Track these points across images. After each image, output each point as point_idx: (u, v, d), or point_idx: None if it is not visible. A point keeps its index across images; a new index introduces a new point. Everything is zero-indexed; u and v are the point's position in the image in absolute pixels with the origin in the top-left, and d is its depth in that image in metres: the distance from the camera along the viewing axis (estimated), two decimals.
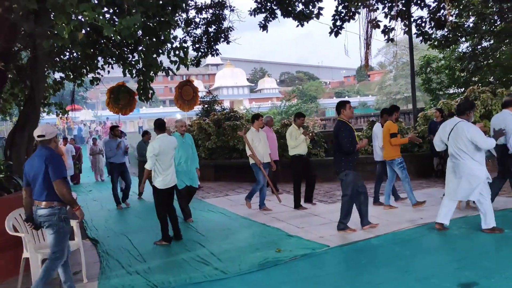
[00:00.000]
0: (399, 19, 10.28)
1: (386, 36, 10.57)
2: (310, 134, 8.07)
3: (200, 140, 13.26)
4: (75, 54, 8.96)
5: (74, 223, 4.94)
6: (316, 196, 8.80)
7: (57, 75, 10.20)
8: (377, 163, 7.85)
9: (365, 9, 6.69)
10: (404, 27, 11.27)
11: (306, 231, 6.17)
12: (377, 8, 10.49)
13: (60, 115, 10.72)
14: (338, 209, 7.33)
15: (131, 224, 7.63)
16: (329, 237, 5.75)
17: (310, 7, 10.35)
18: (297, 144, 7.68)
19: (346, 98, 67.66)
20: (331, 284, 4.25)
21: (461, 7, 13.17)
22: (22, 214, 4.71)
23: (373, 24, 9.18)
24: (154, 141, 6.22)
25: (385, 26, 10.49)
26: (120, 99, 9.76)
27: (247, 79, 72.78)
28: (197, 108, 22.14)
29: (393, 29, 10.24)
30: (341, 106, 6.03)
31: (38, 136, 4.13)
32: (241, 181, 11.62)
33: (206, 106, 19.19)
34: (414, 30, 11.56)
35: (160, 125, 6.36)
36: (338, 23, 10.52)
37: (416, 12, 11.47)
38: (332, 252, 5.22)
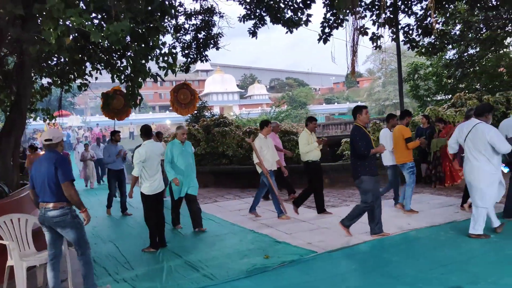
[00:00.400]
0: (386, 26, 10.41)
1: (374, 44, 10.68)
2: (323, 139, 7.81)
3: None
4: (62, 60, 8.90)
5: None
6: (305, 203, 8.81)
7: (44, 81, 10.11)
8: (388, 168, 7.68)
9: (352, 16, 6.76)
10: (391, 35, 11.41)
11: (294, 237, 6.17)
12: (365, 16, 10.62)
13: (48, 121, 10.62)
14: (327, 216, 7.41)
15: (118, 231, 7.56)
16: (317, 243, 5.76)
17: (299, 14, 10.44)
18: (311, 149, 7.44)
19: (336, 105, 68.23)
20: None
21: (447, 15, 13.40)
22: (7, 221, 4.65)
23: (361, 31, 9.27)
24: (140, 148, 6.26)
25: (373, 33, 10.61)
26: (115, 104, 9.72)
27: (237, 85, 72.92)
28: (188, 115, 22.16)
29: (381, 36, 10.35)
30: (357, 111, 5.93)
31: (46, 140, 4.30)
32: (231, 187, 11.61)
33: (195, 112, 19.15)
34: (401, 37, 11.71)
35: (146, 132, 6.44)
36: (327, 30, 10.61)
37: (404, 19, 11.61)
38: (320, 258, 5.22)
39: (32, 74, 8.11)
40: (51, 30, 5.00)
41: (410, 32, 11.64)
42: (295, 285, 4.43)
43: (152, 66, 8.07)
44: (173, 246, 6.17)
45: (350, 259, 5.18)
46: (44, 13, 4.87)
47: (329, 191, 9.98)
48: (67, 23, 5.24)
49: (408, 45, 11.89)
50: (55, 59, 9.06)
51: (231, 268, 5.02)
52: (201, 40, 12.18)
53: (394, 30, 11.25)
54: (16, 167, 7.18)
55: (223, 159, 12.78)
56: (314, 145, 7.46)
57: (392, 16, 10.94)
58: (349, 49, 6.44)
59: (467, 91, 14.09)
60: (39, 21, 5.95)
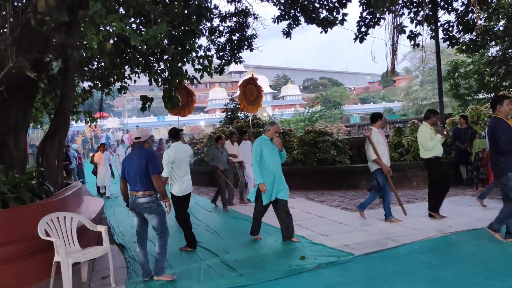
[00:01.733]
0: (425, 24, 10.13)
1: (412, 42, 10.44)
2: (446, 133, 7.11)
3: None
4: (103, 64, 9.22)
5: (102, 229, 5.05)
6: (341, 204, 8.74)
7: (86, 84, 10.50)
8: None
9: (390, 14, 6.61)
10: (430, 32, 11.10)
11: (330, 239, 6.12)
12: (403, 14, 10.39)
13: (89, 123, 11.02)
14: (364, 218, 7.29)
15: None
16: (354, 245, 5.68)
17: (334, 13, 10.34)
18: (434, 145, 6.77)
19: (371, 104, 66.99)
20: None
21: (490, 10, 12.88)
22: (54, 219, 4.86)
23: (399, 29, 9.08)
24: (169, 149, 6.43)
25: (411, 31, 10.37)
26: (179, 100, 9.56)
27: (270, 86, 72.93)
28: (220, 115, 22.35)
29: (419, 34, 10.10)
30: (497, 101, 5.46)
31: (136, 138, 5.02)
32: None
33: (229, 113, 19.34)
34: (441, 34, 11.37)
35: (174, 134, 6.62)
36: (363, 29, 10.46)
37: (443, 16, 11.27)
38: (357, 260, 5.16)
39: (75, 78, 8.43)
40: (93, 35, 5.20)
41: (450, 29, 11.29)
42: (331, 287, 4.40)
43: (189, 68, 8.24)
44: (210, 245, 6.25)
45: (388, 262, 5.08)
46: (87, 19, 5.06)
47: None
48: (108, 28, 5.43)
49: (448, 42, 11.54)
50: (96, 63, 9.40)
51: (267, 268, 5.04)
52: (235, 42, 12.28)
53: (433, 27, 10.94)
54: (60, 168, 7.49)
55: None
56: (437, 137, 6.76)
57: (431, 13, 10.64)
58: (389, 48, 6.30)
59: (511, 89, 13.51)
60: (82, 27, 6.18)
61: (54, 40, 7.06)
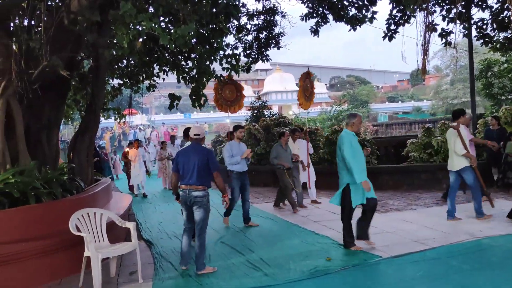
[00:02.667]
0: (458, 21, 9.84)
1: (444, 40, 10.17)
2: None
3: (249, 145, 13.39)
4: (132, 62, 9.38)
5: (131, 225, 5.14)
6: None
7: (115, 82, 10.71)
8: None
9: (422, 12, 6.44)
10: (463, 30, 10.78)
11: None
12: (435, 11, 10.12)
13: (118, 120, 11.24)
14: (392, 219, 7.18)
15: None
16: (381, 248, 5.59)
17: (363, 11, 10.18)
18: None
19: (399, 103, 65.77)
20: None
21: None
22: (84, 215, 4.98)
23: (431, 27, 8.85)
24: (180, 150, 6.52)
25: (442, 29, 10.10)
26: (227, 95, 9.37)
27: (296, 84, 72.60)
28: (246, 113, 22.36)
29: (451, 32, 9.82)
30: None
31: (195, 135, 5.32)
32: None
33: (255, 111, 19.33)
34: (474, 32, 11.03)
35: (188, 133, 6.74)
36: (392, 27, 10.25)
37: (477, 14, 10.93)
38: (384, 263, 5.08)
39: (105, 76, 8.60)
40: (124, 34, 5.29)
41: (484, 27, 10.93)
42: None
43: (215, 66, 8.29)
44: (234, 244, 6.27)
45: (416, 265, 4.97)
46: (118, 18, 5.14)
47: (393, 194, 9.67)
48: (138, 27, 5.51)
49: (481, 40, 11.17)
50: (125, 61, 9.57)
51: (292, 268, 5.02)
52: (262, 40, 12.25)
53: (466, 25, 10.62)
54: (91, 164, 7.66)
55: None
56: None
57: (464, 10, 10.33)
58: (420, 47, 6.14)
59: None
60: (112, 26, 6.30)
61: (86, 39, 7.23)
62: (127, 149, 13.30)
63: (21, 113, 6.06)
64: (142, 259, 5.33)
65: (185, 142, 7.00)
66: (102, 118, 11.34)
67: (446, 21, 10.10)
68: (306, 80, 9.50)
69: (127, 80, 9.92)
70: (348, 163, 5.44)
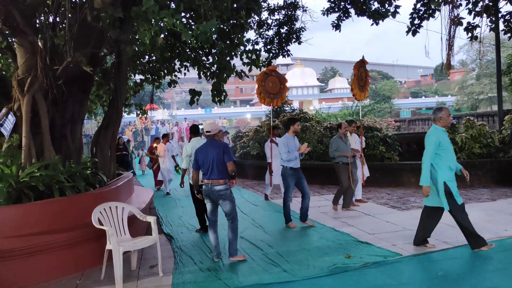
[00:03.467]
0: (484, 15, 9.55)
1: (469, 34, 9.90)
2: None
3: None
4: (154, 58, 9.47)
5: (152, 220, 5.21)
6: (388, 202, 8.51)
7: (137, 77, 10.84)
8: None
9: (447, 6, 6.26)
10: (490, 24, 10.47)
11: (377, 238, 5.98)
12: (460, 4, 9.86)
13: (140, 115, 11.39)
14: (413, 217, 7.06)
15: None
16: (402, 246, 5.52)
17: (386, 5, 10.00)
18: None
19: (423, 98, 64.55)
20: None
21: None
22: (106, 209, 5.07)
23: (456, 21, 8.64)
24: (187, 144, 7.20)
25: (468, 23, 9.83)
26: (270, 88, 8.78)
27: (317, 79, 71.99)
28: (267, 108, 22.31)
29: (477, 26, 9.54)
30: None
31: (207, 132, 5.56)
32: (310, 183, 11.33)
33: (275, 106, 19.27)
34: (501, 26, 10.70)
35: (194, 130, 7.44)
36: (416, 21, 10.04)
37: (505, 7, 10.57)
38: (405, 261, 5.01)
39: (127, 72, 8.72)
40: (146, 31, 5.34)
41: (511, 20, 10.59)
42: (378, 287, 4.30)
43: (237, 61, 8.30)
44: (254, 239, 6.29)
45: (437, 265, 4.89)
46: (140, 15, 5.19)
47: (415, 191, 9.51)
48: (160, 23, 5.56)
49: (509, 34, 10.84)
50: (147, 57, 9.68)
51: (311, 265, 5.01)
52: (283, 35, 12.20)
53: (493, 18, 10.32)
54: (113, 159, 7.79)
55: (304, 155, 12.73)
56: None
57: (491, 3, 10.03)
58: (444, 42, 5.98)
59: None
60: (134, 23, 6.36)
61: (109, 35, 7.33)
62: (154, 145, 12.61)
63: (46, 108, 6.21)
64: (162, 253, 5.40)
65: (192, 137, 7.29)
66: (124, 114, 11.53)
67: (472, 15, 9.83)
68: (361, 69, 8.76)
69: (148, 76, 10.04)
70: (422, 162, 5.21)
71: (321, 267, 4.91)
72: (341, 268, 4.82)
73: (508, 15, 10.50)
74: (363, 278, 4.55)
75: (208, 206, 5.50)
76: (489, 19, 10.22)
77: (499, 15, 10.47)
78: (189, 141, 7.51)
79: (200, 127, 9.21)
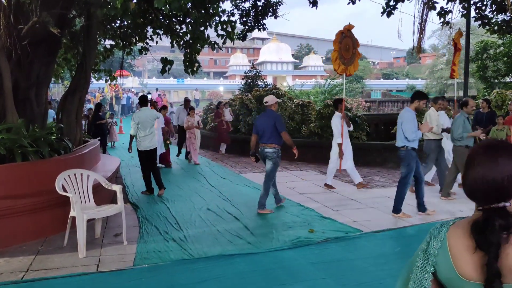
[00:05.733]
0: (457, 1, 9.73)
1: (442, 19, 10.07)
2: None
3: (241, 115, 13.37)
4: (125, 23, 9.17)
5: (117, 188, 5.17)
6: (350, 179, 8.72)
7: (108, 43, 10.49)
8: None
9: None
10: (462, 10, 10.68)
11: (340, 214, 6.16)
12: None
13: (109, 82, 11.09)
14: (376, 195, 7.31)
15: (171, 193, 7.82)
16: (363, 222, 5.72)
17: None
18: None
19: (394, 80, 65.53)
20: (361, 269, 4.25)
21: None
22: (71, 176, 4.99)
23: (429, 5, 8.75)
24: (135, 113, 7.88)
25: (441, 7, 9.99)
26: (345, 53, 7.54)
27: (292, 55, 71.76)
28: (240, 82, 22.19)
29: (450, 11, 9.71)
30: None
31: (265, 102, 6.47)
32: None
33: (249, 81, 19.18)
34: (473, 13, 10.93)
35: (142, 100, 8.15)
36: (392, 3, 10.11)
37: None
38: (365, 237, 5.21)
39: (97, 36, 8.42)
40: None
41: (483, 8, 10.83)
42: (337, 261, 4.47)
43: (211, 32, 8.14)
44: (220, 211, 6.36)
45: (395, 241, 5.12)
46: None
47: (379, 171, 9.80)
48: None
49: (479, 22, 11.10)
50: (118, 22, 9.35)
51: (275, 238, 5.13)
52: (260, 8, 12.02)
53: (466, 5, 10.52)
54: (79, 125, 7.61)
55: None
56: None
57: None
58: (416, 26, 6.06)
59: None
60: None
61: None
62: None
63: (9, 70, 5.95)
64: (128, 222, 5.40)
65: (140, 107, 8.01)
66: (93, 79, 11.18)
67: (445, 0, 9.98)
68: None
69: (119, 41, 9.73)
70: None
71: (285, 240, 5.04)
72: (304, 242, 4.96)
73: (480, 2, 10.72)
74: (324, 252, 4.70)
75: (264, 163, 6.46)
76: (461, 5, 10.41)
77: (471, 1, 10.68)
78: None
79: (149, 96, 9.52)
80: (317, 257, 4.57)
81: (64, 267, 4.28)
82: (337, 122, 7.68)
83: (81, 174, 5.14)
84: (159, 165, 9.39)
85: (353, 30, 7.63)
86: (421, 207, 6.18)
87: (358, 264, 4.38)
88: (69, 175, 4.97)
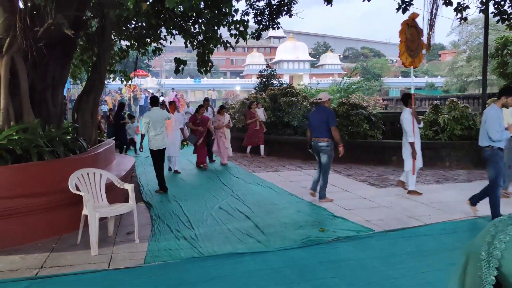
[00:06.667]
0: None
1: (459, 15, 9.86)
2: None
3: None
4: (139, 24, 9.28)
5: (129, 187, 5.24)
6: (368, 179, 8.65)
7: (123, 44, 10.63)
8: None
9: None
10: (480, 5, 10.44)
11: (352, 213, 6.11)
12: None
13: (125, 82, 11.24)
14: (389, 194, 7.23)
15: (183, 192, 7.89)
16: (376, 222, 5.66)
17: None
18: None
19: (412, 78, 64.60)
20: (371, 268, 4.21)
21: None
22: (84, 175, 5.08)
23: (446, 1, 8.58)
24: (146, 112, 8.13)
25: (458, 3, 9.79)
26: (411, 44, 6.99)
27: (309, 54, 71.37)
28: (256, 81, 22.18)
29: (467, 7, 9.50)
30: None
31: (318, 99, 6.97)
32: (293, 158, 11.63)
33: (264, 80, 19.17)
34: (491, 8, 10.67)
35: (153, 101, 8.25)
36: None
37: None
38: (377, 236, 5.15)
39: (112, 37, 8.56)
40: None
41: (502, 3, 10.56)
42: (348, 260, 4.43)
43: (225, 32, 8.18)
44: (232, 210, 6.38)
45: (408, 241, 5.04)
46: None
47: (395, 170, 9.67)
48: None
49: (498, 17, 10.83)
50: (133, 23, 9.47)
51: (286, 237, 5.12)
52: (274, 7, 12.00)
53: (484, 0, 10.28)
54: (94, 125, 7.73)
55: (287, 129, 12.78)
56: None
57: None
58: (426, 22, 5.92)
59: None
60: None
61: None
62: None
63: (25, 71, 6.09)
64: (141, 221, 5.47)
65: (152, 107, 8.13)
66: (110, 80, 11.35)
67: None
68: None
69: (134, 42, 9.85)
70: None
71: (295, 239, 5.02)
72: (314, 241, 4.94)
73: None
74: (334, 251, 4.68)
75: (317, 158, 6.86)
76: (479, 0, 10.18)
77: None
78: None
79: (161, 98, 9.94)
80: (327, 256, 4.54)
81: (77, 264, 4.37)
82: (408, 117, 6.90)
83: (94, 173, 5.23)
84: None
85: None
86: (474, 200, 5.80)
87: (368, 264, 4.34)
88: (82, 174, 5.06)
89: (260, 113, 12.37)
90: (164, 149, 7.91)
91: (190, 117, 11.08)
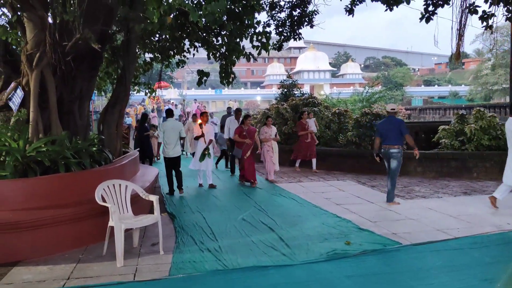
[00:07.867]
0: (501, 3, 9.31)
1: (484, 23, 9.67)
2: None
3: (277, 124, 13.36)
4: (163, 37, 9.43)
5: (154, 199, 5.27)
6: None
7: (147, 56, 10.82)
8: None
9: None
10: (506, 13, 10.21)
11: (378, 226, 6.00)
12: None
13: (149, 94, 11.41)
14: (416, 206, 7.08)
15: (206, 203, 7.90)
16: (403, 235, 5.54)
17: None
18: None
19: (436, 87, 63.63)
20: (400, 283, 4.10)
21: None
22: (110, 186, 5.14)
23: (470, 9, 8.42)
24: (164, 122, 8.85)
25: (483, 11, 9.61)
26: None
27: (330, 63, 71.22)
28: (276, 91, 22.22)
29: (493, 15, 9.30)
30: None
31: (391, 109, 7.45)
32: (317, 168, 11.51)
33: (285, 90, 19.16)
34: None
35: (168, 113, 9.04)
36: (430, 8, 9.82)
37: None
38: (404, 250, 5.03)
39: (136, 50, 8.71)
40: (155, 9, 5.31)
41: None
42: (375, 275, 4.33)
43: (247, 44, 8.23)
44: (255, 222, 6.35)
45: (436, 255, 4.90)
46: None
47: (420, 181, 9.49)
48: (170, 1, 5.52)
49: None
50: (157, 36, 9.64)
51: (310, 250, 5.05)
52: (295, 18, 12.03)
53: (510, 8, 10.06)
54: (120, 136, 7.85)
55: None
56: None
57: None
58: (455, 31, 5.83)
59: None
60: (143, 1, 6.32)
61: (118, 13, 7.30)
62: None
63: (54, 84, 6.24)
64: (165, 232, 5.49)
65: (167, 118, 8.88)
66: (134, 92, 11.53)
67: (488, 3, 9.59)
68: None
69: (158, 55, 10.01)
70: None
71: (320, 252, 4.95)
72: (340, 254, 4.85)
73: None
74: (361, 265, 4.58)
75: (386, 164, 7.35)
76: (505, 8, 9.97)
77: None
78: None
79: (175, 110, 10.77)
80: (353, 270, 4.45)
81: (103, 276, 4.40)
82: None
83: (120, 185, 5.28)
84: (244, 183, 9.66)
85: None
86: None
87: (396, 278, 4.23)
88: (108, 186, 5.12)
89: (312, 124, 11.59)
90: (176, 157, 8.51)
91: (236, 129, 9.79)
